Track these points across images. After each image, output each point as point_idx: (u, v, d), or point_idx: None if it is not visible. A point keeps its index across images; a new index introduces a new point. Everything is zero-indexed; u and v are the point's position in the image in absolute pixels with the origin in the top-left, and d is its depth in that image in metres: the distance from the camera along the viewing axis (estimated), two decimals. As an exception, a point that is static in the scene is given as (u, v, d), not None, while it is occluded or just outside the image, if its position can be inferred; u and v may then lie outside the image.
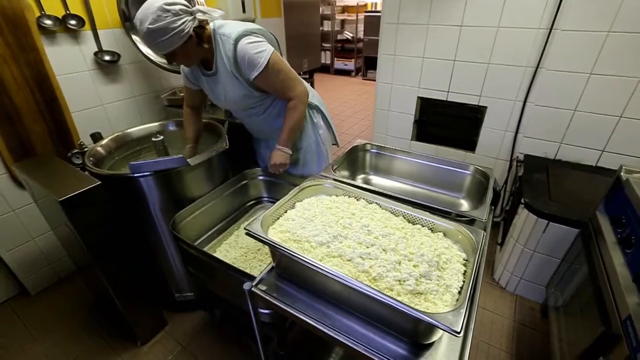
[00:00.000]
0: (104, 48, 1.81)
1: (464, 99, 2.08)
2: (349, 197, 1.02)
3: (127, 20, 1.69)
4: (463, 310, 0.63)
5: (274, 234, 0.87)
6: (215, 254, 1.31)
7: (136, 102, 2.08)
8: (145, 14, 1.06)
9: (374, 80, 7.03)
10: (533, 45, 1.77)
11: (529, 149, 1.97)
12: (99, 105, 1.91)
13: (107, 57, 1.82)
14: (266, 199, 1.73)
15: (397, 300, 0.63)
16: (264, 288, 0.89)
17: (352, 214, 0.91)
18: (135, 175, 1.32)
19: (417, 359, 0.71)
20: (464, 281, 0.73)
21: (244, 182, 1.64)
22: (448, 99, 2.14)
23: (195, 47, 1.19)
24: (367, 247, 0.80)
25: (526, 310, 1.76)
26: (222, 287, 1.28)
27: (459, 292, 0.71)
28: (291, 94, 1.33)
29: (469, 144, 2.20)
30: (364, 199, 0.99)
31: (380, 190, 1.01)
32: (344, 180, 1.08)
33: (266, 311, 1.08)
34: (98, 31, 1.76)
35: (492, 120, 2.05)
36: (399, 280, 0.72)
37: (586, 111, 1.75)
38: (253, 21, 2.68)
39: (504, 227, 2.12)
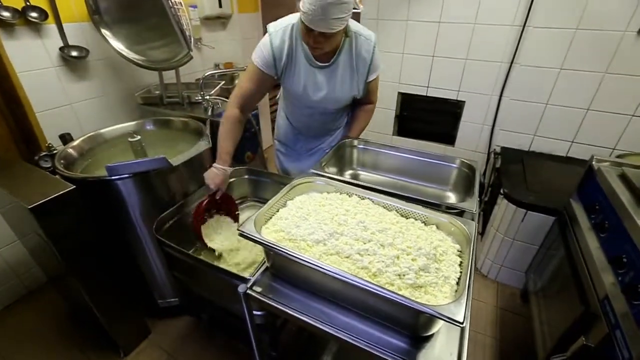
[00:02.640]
0: (71, 43, 1.69)
1: (443, 94, 2.14)
2: (341, 193, 1.01)
3: (95, 13, 1.58)
4: (464, 301, 0.64)
5: (268, 234, 0.85)
6: (201, 257, 1.27)
7: (108, 100, 1.96)
8: None
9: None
10: (507, 42, 1.83)
11: (505, 141, 2.05)
12: (67, 105, 1.79)
13: (74, 53, 1.71)
14: (252, 198, 1.69)
15: (401, 295, 0.63)
16: (259, 290, 0.87)
17: (346, 211, 0.91)
18: (113, 177, 1.25)
19: (419, 352, 0.72)
20: (461, 272, 0.75)
21: (229, 180, 1.59)
22: (428, 94, 2.18)
23: (342, 32, 1.12)
24: (365, 243, 0.80)
25: (507, 296, 1.84)
26: (212, 291, 1.24)
27: (457, 283, 0.73)
28: (374, 99, 1.42)
29: (449, 138, 2.26)
30: (356, 195, 0.99)
31: (372, 186, 1.01)
32: (335, 177, 1.07)
33: (259, 313, 1.05)
34: (63, 25, 1.64)
35: (470, 115, 2.11)
36: (399, 275, 0.73)
37: (557, 104, 1.84)
38: (230, 17, 2.61)
39: (483, 217, 2.20)
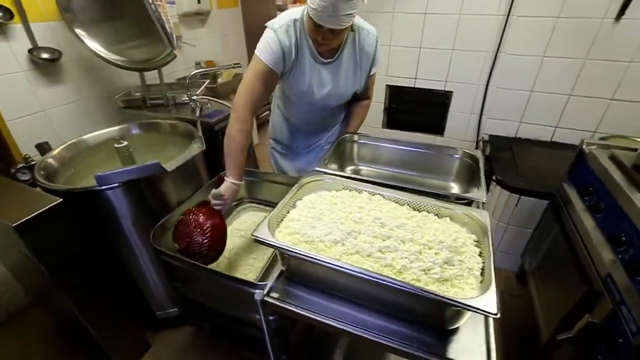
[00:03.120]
0: (40, 44, 1.57)
1: (431, 84, 2.15)
2: (350, 190, 0.99)
3: (67, 11, 1.47)
4: (494, 292, 0.64)
5: (282, 237, 0.82)
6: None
7: (85, 105, 1.84)
8: None
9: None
10: (493, 31, 1.87)
11: (492, 129, 2.10)
12: (40, 112, 1.66)
13: (45, 55, 1.58)
14: (248, 199, 1.64)
15: (435, 293, 0.62)
16: (276, 295, 0.84)
17: (359, 208, 0.89)
18: (103, 188, 1.17)
19: (447, 345, 0.71)
20: (483, 262, 0.75)
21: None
22: (416, 86, 2.20)
23: (348, 30, 1.12)
24: (384, 240, 0.79)
25: (503, 280, 1.90)
26: (217, 299, 1.19)
27: (481, 274, 0.73)
28: (370, 94, 1.41)
29: (438, 129, 2.29)
30: (366, 191, 0.97)
31: (383, 182, 1.00)
32: (344, 174, 1.05)
33: (270, 317, 1.02)
34: (31, 25, 1.52)
35: (458, 104, 2.14)
36: (424, 270, 0.72)
37: (541, 91, 1.89)
38: (208, 13, 2.51)
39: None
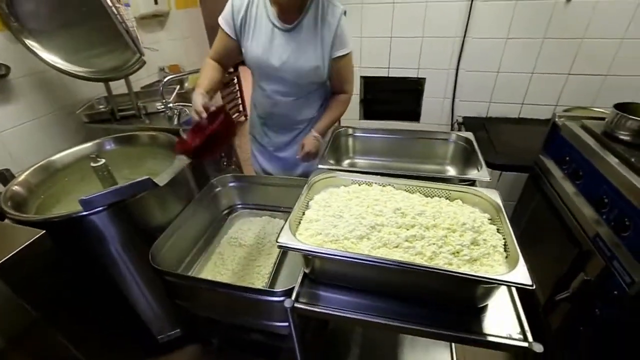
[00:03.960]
0: (-17, 59, 1.39)
1: (404, 73, 2.20)
2: (360, 184, 0.99)
3: (13, 21, 1.31)
4: (524, 265, 0.67)
5: (305, 240, 0.80)
6: (208, 278, 1.17)
7: (41, 123, 1.66)
8: None
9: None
10: (459, 17, 1.94)
11: (465, 111, 2.20)
12: (-9, 135, 1.48)
13: (-10, 72, 1.40)
14: (240, 205, 1.59)
15: (477, 275, 0.65)
16: (304, 300, 0.82)
17: (375, 200, 0.89)
18: (88, 213, 1.07)
19: (481, 322, 0.74)
20: (504, 239, 0.78)
21: (215, 191, 1.47)
22: (390, 75, 2.24)
23: None
24: (408, 229, 0.80)
25: (490, 252, 2.01)
26: (230, 312, 1.14)
27: (504, 249, 0.76)
28: (348, 88, 1.34)
29: (414, 115, 2.35)
30: (376, 183, 0.98)
31: (391, 172, 1.01)
32: (353, 169, 1.05)
33: (285, 324, 1.00)
34: (-31, 38, 1.34)
35: (431, 90, 2.22)
36: (454, 253, 0.74)
37: (507, 72, 2.01)
38: (167, 14, 2.36)
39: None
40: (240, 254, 1.33)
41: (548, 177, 1.48)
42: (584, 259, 1.18)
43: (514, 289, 0.81)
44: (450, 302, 0.77)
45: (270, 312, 0.99)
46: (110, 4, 1.36)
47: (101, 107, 1.77)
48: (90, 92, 1.82)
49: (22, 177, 1.25)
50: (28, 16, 1.32)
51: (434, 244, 0.75)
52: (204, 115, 1.05)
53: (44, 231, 0.97)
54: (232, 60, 1.33)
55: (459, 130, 2.20)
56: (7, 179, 1.26)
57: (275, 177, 1.54)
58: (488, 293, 0.73)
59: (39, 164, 1.31)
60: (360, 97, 2.38)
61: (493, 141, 1.93)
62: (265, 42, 1.18)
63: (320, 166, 1.08)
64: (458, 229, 0.78)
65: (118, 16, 1.38)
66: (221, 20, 1.21)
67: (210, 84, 1.21)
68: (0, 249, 0.91)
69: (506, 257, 0.74)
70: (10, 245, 0.92)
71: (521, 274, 0.64)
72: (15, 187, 1.22)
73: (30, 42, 1.35)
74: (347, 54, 1.22)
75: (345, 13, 1.18)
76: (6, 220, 1.13)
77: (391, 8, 2.01)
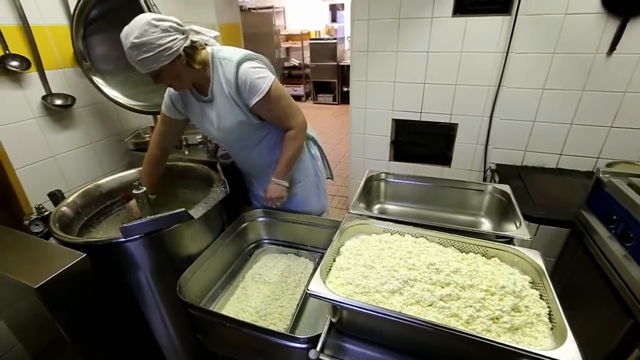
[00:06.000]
0: (54, 91, 1.56)
1: (436, 118, 2.22)
2: (392, 234, 0.97)
3: (86, 60, 1.48)
4: (573, 341, 0.61)
5: (334, 288, 0.78)
6: (228, 314, 1.16)
7: (94, 149, 1.81)
8: (131, 28, 1.01)
9: (325, 104, 7.12)
10: (493, 67, 1.96)
11: (498, 158, 2.15)
12: (49, 158, 1.62)
13: (58, 102, 1.57)
14: (266, 240, 1.60)
15: (522, 349, 0.60)
16: (330, 353, 0.79)
17: (408, 253, 0.87)
18: (127, 240, 1.11)
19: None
20: (548, 307, 0.73)
21: (244, 225, 1.50)
22: (421, 119, 2.26)
23: (184, 68, 1.12)
24: (443, 287, 0.76)
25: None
26: (250, 353, 1.12)
27: (549, 320, 0.71)
28: (291, 123, 1.30)
29: (445, 159, 2.33)
30: (408, 233, 0.96)
31: (426, 223, 0.99)
32: (385, 216, 1.04)
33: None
34: (46, 72, 1.51)
35: (463, 136, 2.20)
36: (493, 319, 0.69)
37: (544, 121, 1.98)
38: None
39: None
40: (264, 292, 1.32)
41: (592, 235, 1.38)
42: (639, 333, 1.06)
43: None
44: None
45: (289, 359, 0.96)
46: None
47: (147, 136, 1.90)
48: (138, 122, 1.98)
49: (71, 198, 1.34)
50: (99, 58, 1.49)
51: (471, 306, 0.71)
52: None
53: (86, 254, 1.02)
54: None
55: (492, 176, 2.14)
56: (58, 199, 1.36)
57: (304, 215, 1.55)
58: (531, 368, 0.67)
59: (86, 187, 1.40)
60: (391, 139, 2.40)
61: (529, 191, 1.85)
62: (199, 114, 1.31)
63: (351, 211, 1.07)
64: (497, 292, 0.74)
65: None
66: (164, 109, 1.34)
67: (153, 186, 1.42)
68: (44, 269, 0.96)
69: (551, 328, 0.69)
70: (54, 265, 0.97)
71: (572, 352, 0.59)
72: (64, 209, 1.30)
73: (97, 79, 1.51)
74: (265, 95, 1.18)
75: (240, 62, 1.17)
76: (51, 239, 1.20)
77: (425, 57, 2.07)
